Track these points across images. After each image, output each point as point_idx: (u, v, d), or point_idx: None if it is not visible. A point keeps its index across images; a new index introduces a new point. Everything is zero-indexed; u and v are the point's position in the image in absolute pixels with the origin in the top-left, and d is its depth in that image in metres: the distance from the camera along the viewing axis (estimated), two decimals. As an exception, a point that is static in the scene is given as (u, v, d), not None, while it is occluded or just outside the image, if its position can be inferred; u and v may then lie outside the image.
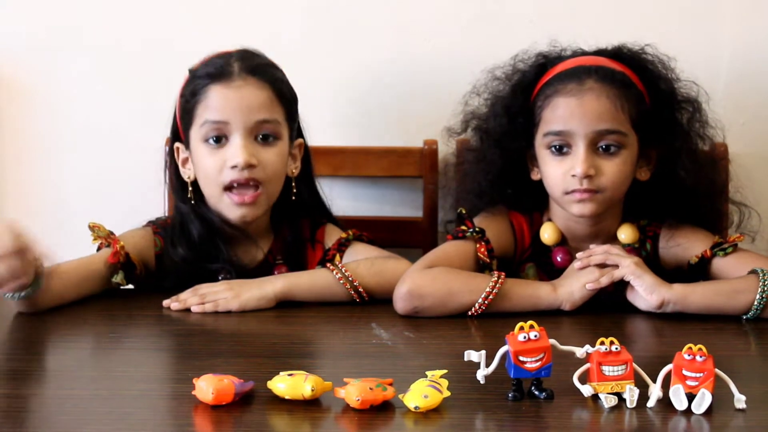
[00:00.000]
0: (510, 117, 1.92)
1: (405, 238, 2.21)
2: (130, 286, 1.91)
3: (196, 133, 1.88)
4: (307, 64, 2.22)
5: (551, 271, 1.93)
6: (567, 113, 1.83)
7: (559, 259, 1.92)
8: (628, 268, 1.77)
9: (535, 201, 1.95)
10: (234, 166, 1.84)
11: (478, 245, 1.88)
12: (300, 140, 1.98)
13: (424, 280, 1.78)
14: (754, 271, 1.78)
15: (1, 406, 1.40)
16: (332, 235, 1.97)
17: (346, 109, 2.25)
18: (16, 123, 2.25)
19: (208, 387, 1.37)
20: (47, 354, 1.67)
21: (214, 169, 1.86)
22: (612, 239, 1.92)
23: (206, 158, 1.87)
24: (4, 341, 1.69)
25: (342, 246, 1.94)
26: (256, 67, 1.88)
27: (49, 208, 2.22)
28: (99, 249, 1.88)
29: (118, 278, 1.85)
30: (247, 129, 1.85)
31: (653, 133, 1.87)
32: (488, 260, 1.87)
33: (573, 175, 1.83)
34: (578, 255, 1.84)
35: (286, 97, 1.90)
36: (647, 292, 1.75)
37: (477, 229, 1.88)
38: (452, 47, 2.21)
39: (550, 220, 1.95)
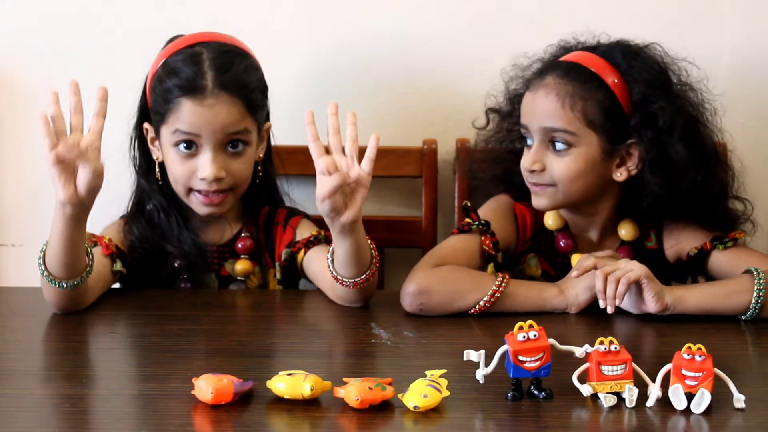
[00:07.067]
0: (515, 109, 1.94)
1: (405, 238, 2.21)
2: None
3: (166, 132, 1.88)
4: (306, 65, 2.22)
5: (553, 260, 1.93)
6: (524, 108, 1.86)
7: (562, 244, 1.93)
8: (642, 270, 1.73)
9: None
10: (203, 179, 1.86)
11: (483, 238, 1.88)
12: (268, 123, 1.99)
13: (432, 279, 1.78)
14: (748, 271, 1.78)
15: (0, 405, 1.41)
16: (305, 228, 1.97)
17: (345, 109, 2.24)
18: (16, 123, 2.25)
19: (207, 387, 1.37)
20: (46, 354, 1.67)
21: (183, 175, 1.88)
22: (612, 233, 1.92)
23: (176, 164, 1.88)
24: (2, 341, 1.69)
25: (310, 243, 1.92)
26: (229, 78, 1.86)
27: (49, 208, 2.20)
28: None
29: (117, 266, 1.87)
30: (217, 143, 1.86)
31: (632, 133, 1.82)
32: (494, 252, 1.87)
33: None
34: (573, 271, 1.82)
35: (257, 104, 1.91)
36: (656, 297, 1.73)
37: (482, 221, 1.88)
38: (452, 47, 2.21)
39: None
